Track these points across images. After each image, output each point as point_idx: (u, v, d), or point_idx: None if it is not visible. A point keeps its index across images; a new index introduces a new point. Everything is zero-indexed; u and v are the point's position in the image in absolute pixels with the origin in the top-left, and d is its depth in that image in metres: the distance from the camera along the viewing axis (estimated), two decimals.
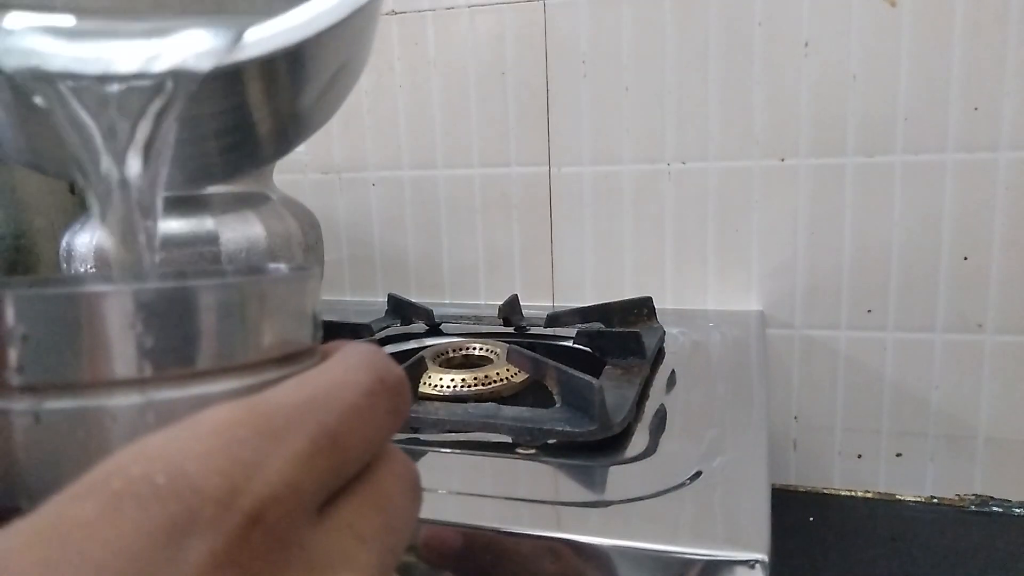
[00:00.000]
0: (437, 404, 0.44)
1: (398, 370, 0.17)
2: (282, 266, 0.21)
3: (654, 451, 0.37)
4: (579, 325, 0.61)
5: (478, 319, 0.66)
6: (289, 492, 0.13)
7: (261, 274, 0.21)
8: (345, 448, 0.14)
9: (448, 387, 0.47)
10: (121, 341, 0.14)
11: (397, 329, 0.65)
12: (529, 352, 0.47)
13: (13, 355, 0.13)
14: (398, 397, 0.16)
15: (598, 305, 0.62)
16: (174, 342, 0.14)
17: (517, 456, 0.37)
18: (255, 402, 0.14)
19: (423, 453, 0.39)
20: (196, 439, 0.13)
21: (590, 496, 0.34)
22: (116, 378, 0.14)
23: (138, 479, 0.12)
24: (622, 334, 0.52)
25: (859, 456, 0.68)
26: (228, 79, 0.18)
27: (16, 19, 0.18)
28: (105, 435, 0.14)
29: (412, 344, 0.61)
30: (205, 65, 0.17)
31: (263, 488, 0.12)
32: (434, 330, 0.64)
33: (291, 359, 0.16)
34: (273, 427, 0.13)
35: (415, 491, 0.17)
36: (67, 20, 0.18)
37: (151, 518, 0.11)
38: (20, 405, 0.14)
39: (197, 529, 0.11)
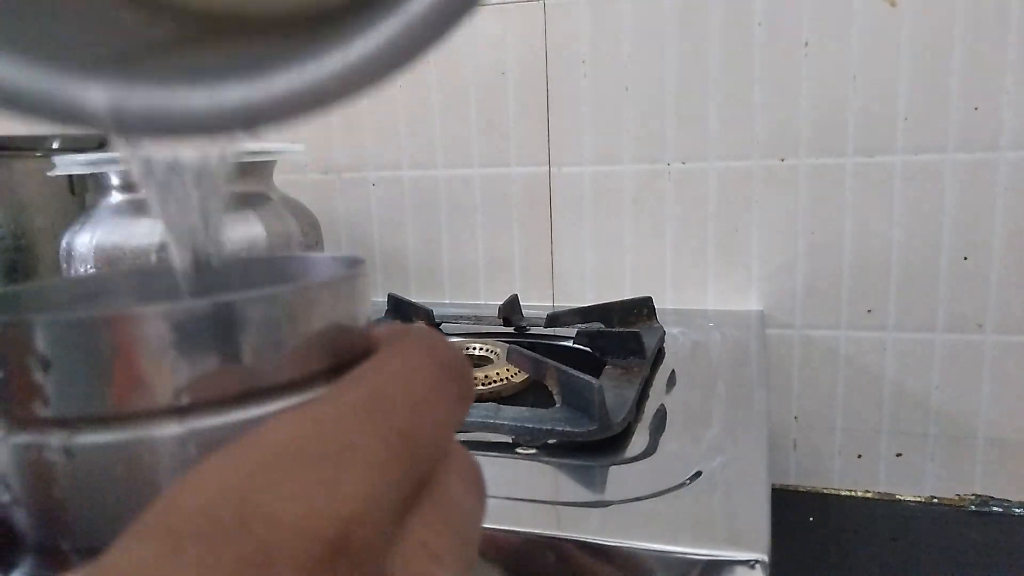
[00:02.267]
0: None
1: (459, 352, 0.15)
2: (325, 256, 0.19)
3: (654, 451, 0.37)
4: (579, 325, 0.61)
5: (478, 319, 0.66)
6: (370, 508, 0.11)
7: (300, 262, 0.19)
8: (418, 448, 0.13)
9: None
10: (155, 367, 0.12)
11: None
12: (529, 352, 0.47)
13: (38, 385, 0.12)
14: (463, 382, 0.15)
15: (598, 305, 0.62)
16: (213, 364, 0.13)
17: (517, 456, 0.37)
18: (315, 408, 0.12)
19: None
20: (259, 461, 0.11)
21: (590, 496, 0.34)
22: (152, 407, 0.12)
23: (196, 513, 0.10)
24: (622, 334, 0.52)
25: (859, 456, 0.68)
26: None
27: None
28: (145, 469, 0.12)
29: None
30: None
31: (342, 507, 0.11)
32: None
33: (342, 369, 0.14)
34: (341, 435, 0.12)
35: (481, 492, 0.15)
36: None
37: (217, 558, 0.10)
38: (51, 440, 0.13)
39: (272, 566, 0.10)
